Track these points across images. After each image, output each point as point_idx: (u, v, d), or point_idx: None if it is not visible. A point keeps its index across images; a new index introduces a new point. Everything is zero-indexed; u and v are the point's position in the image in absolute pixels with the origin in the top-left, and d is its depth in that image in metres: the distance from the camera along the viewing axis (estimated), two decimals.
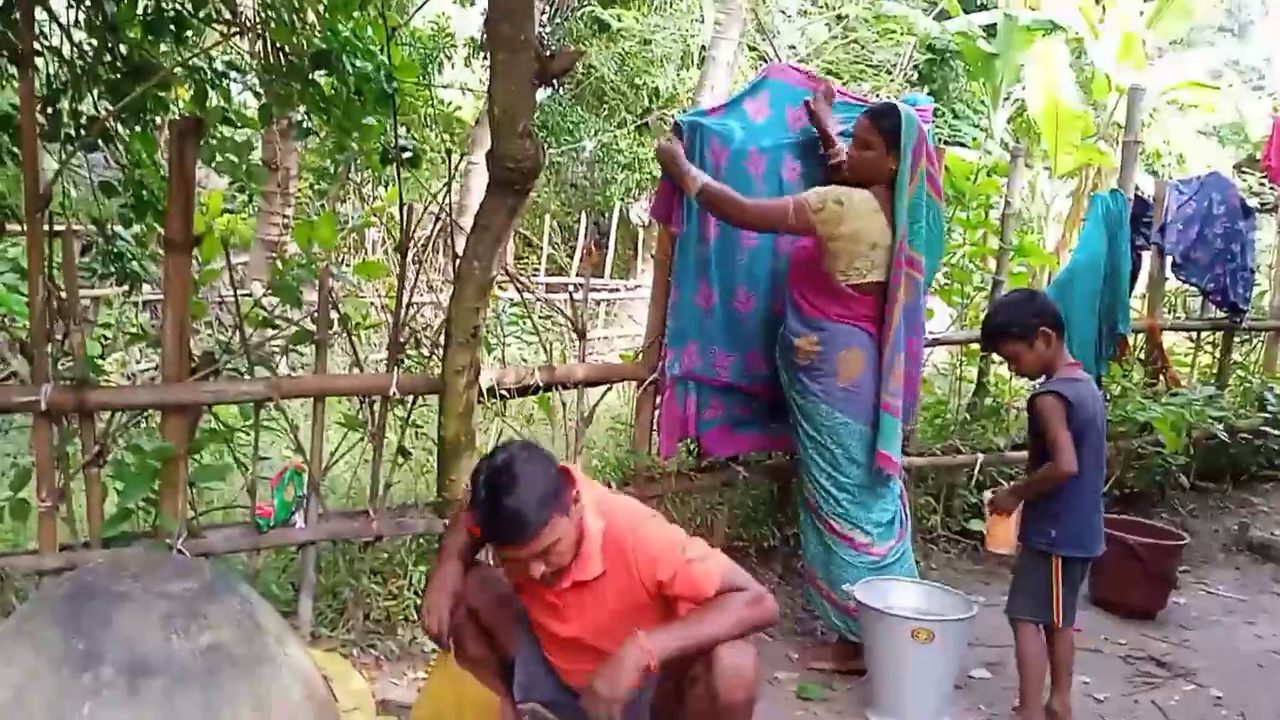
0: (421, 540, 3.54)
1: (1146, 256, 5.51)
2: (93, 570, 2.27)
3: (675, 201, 3.75)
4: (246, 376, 3.20)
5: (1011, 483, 3.24)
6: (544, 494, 2.19)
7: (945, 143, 9.41)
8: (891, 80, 11.92)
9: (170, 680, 2.01)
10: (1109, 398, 4.99)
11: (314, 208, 12.72)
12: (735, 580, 2.24)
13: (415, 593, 3.45)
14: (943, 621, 3.12)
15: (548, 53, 2.94)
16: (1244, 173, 11.53)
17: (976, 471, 4.58)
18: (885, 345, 3.41)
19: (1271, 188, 6.92)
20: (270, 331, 3.41)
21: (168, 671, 2.01)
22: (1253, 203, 6.08)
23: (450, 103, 13.25)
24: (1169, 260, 5.53)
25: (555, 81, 11.27)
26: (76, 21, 3.35)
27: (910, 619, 3.14)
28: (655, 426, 3.97)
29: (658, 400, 3.98)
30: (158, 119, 3.57)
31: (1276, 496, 5.64)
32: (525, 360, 5.70)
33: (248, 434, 3.31)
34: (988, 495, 3.28)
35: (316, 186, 12.81)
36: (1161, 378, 5.46)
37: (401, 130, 3.48)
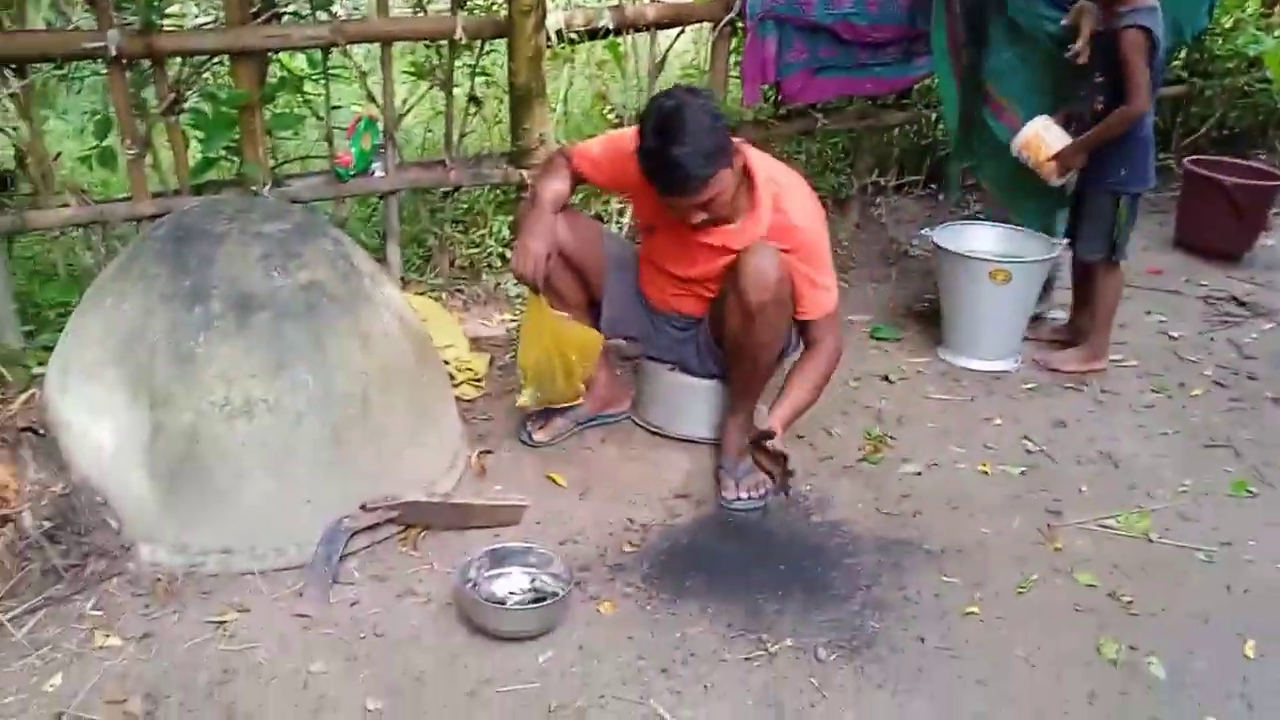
0: (499, 191, 3.55)
1: None
2: (189, 213, 2.34)
3: None
4: (310, 20, 3.10)
5: (1079, 137, 3.02)
6: (712, 146, 2.17)
7: None
8: None
9: (275, 314, 2.11)
10: (1220, 30, 4.64)
11: None
12: (834, 322, 2.48)
13: (497, 241, 3.52)
14: (1021, 264, 3.11)
15: None
16: None
17: None
18: None
19: None
20: None
21: (272, 306, 2.12)
22: None
23: None
24: None
25: None
26: None
27: (990, 260, 3.13)
28: (734, 72, 3.81)
29: (734, 44, 3.79)
30: None
31: None
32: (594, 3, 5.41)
33: (318, 82, 3.26)
34: (1042, 150, 3.04)
35: None
36: (1279, 9, 5.01)
37: None
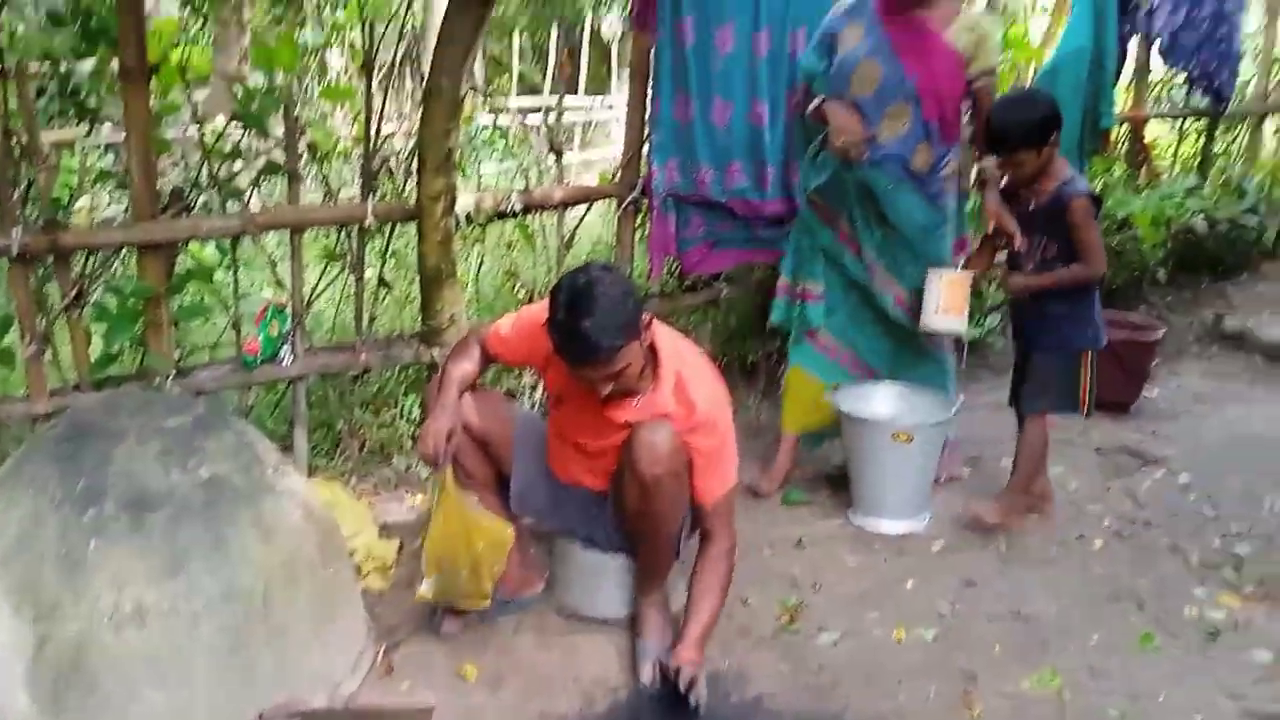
0: (410, 370, 3.58)
1: (1132, 47, 5.36)
2: (87, 410, 2.31)
3: (651, 4, 3.62)
4: (219, 212, 3.15)
5: (1033, 273, 3.16)
6: (622, 319, 2.23)
7: None
8: None
9: (173, 512, 2.07)
10: None
11: (271, 35, 12.16)
12: (730, 510, 2.51)
13: (408, 421, 3.52)
14: (922, 424, 3.21)
15: None
16: None
17: None
18: None
19: None
20: (239, 164, 3.33)
21: (170, 504, 2.07)
22: None
23: None
24: (1155, 46, 5.38)
25: None
26: None
27: (890, 423, 3.22)
28: (640, 246, 3.96)
29: (639, 220, 3.95)
30: None
31: (1251, 287, 5.70)
32: (502, 185, 5.61)
33: (226, 271, 3.29)
34: (961, 295, 3.16)
35: (271, 13, 12.23)
36: (1143, 171, 5.43)
37: None
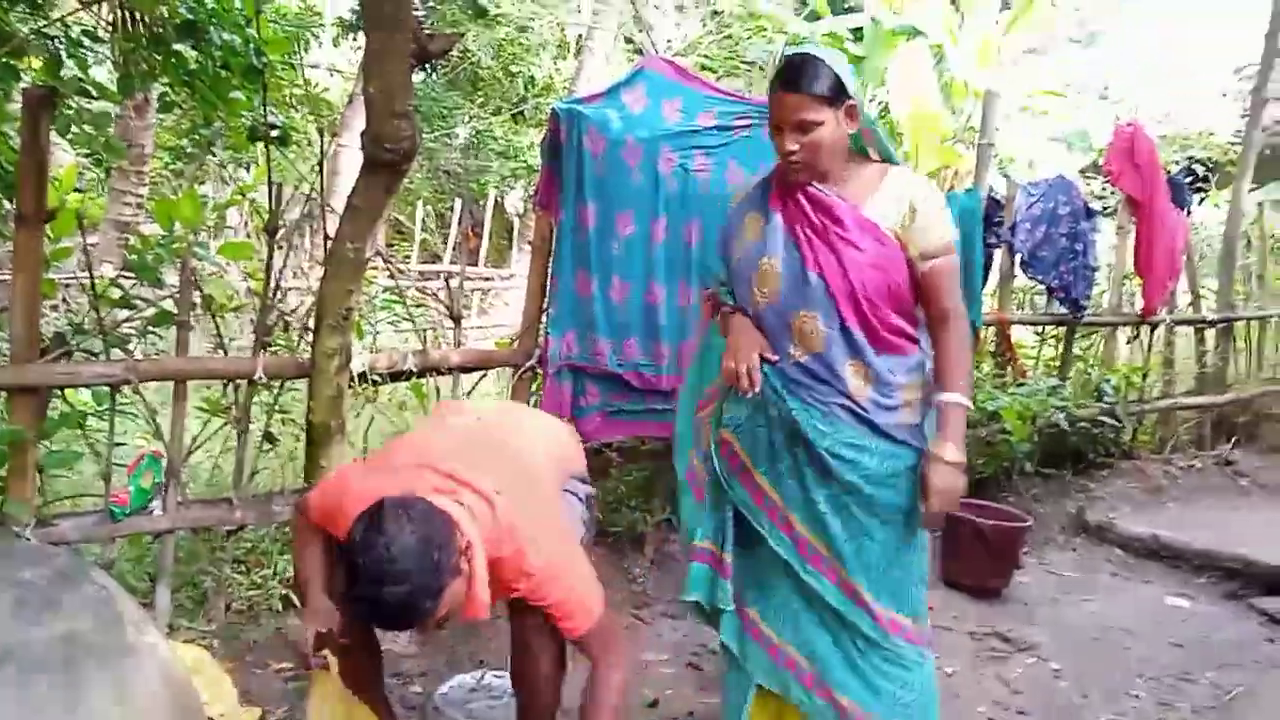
0: (285, 529, 3.47)
1: (997, 255, 5.81)
2: None
3: (554, 189, 3.79)
4: (102, 358, 3.07)
5: None
6: (434, 571, 1.96)
7: None
8: (764, 77, 12.18)
9: (23, 668, 1.93)
10: None
11: (170, 187, 12.18)
12: (610, 629, 2.32)
13: (280, 581, 3.38)
14: None
15: (426, 34, 2.92)
16: (1088, 177, 12.22)
17: None
18: None
19: (1112, 191, 7.36)
20: (126, 312, 3.28)
21: (21, 659, 1.93)
22: (1095, 205, 6.47)
23: (318, 83, 12.87)
24: (1018, 258, 5.85)
25: (430, 65, 11.10)
26: None
27: None
28: None
29: (533, 387, 4.00)
30: (6, 89, 3.38)
31: (1112, 482, 6.02)
32: (398, 347, 5.62)
33: (102, 418, 3.18)
34: None
35: (172, 166, 12.28)
36: (1009, 369, 5.78)
37: (270, 107, 3.39)
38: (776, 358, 2.39)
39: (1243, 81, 15.15)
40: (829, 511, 2.39)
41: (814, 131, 2.29)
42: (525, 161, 14.79)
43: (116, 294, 3.23)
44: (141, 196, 10.10)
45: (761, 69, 11.87)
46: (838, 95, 2.30)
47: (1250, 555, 4.64)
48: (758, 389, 2.37)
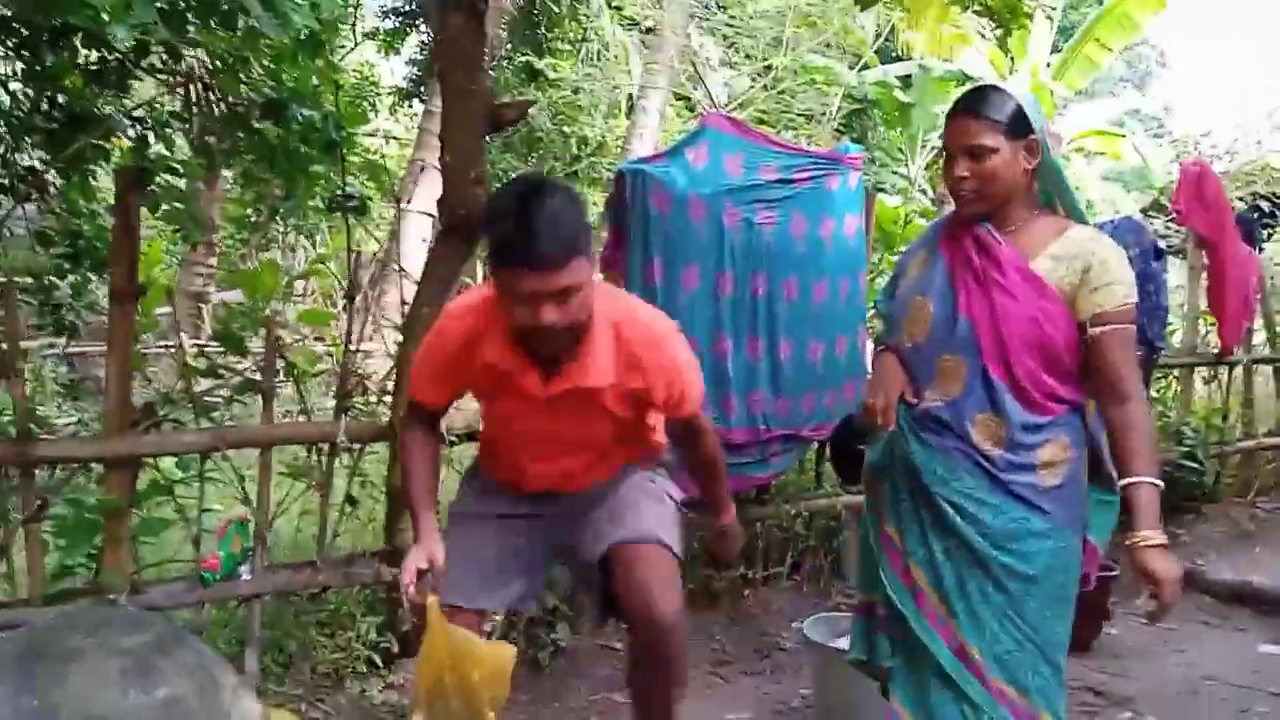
0: (369, 591, 3.50)
1: None
2: (43, 627, 2.22)
3: (620, 248, 3.84)
4: (190, 426, 3.16)
5: None
6: (573, 227, 2.00)
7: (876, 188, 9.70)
8: (820, 128, 12.24)
9: None
10: None
11: (236, 257, 12.55)
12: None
13: (364, 644, 3.40)
14: None
15: (499, 103, 3.00)
16: (1150, 216, 12.08)
17: None
18: None
19: (1178, 231, 7.25)
20: (212, 381, 3.37)
21: None
22: (1161, 245, 6.37)
23: (379, 151, 13.23)
24: None
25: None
26: (14, 72, 3.32)
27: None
28: None
29: None
30: (96, 168, 3.53)
31: (1196, 527, 5.85)
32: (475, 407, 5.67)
33: (191, 485, 3.25)
34: None
35: (239, 236, 12.66)
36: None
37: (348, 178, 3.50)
38: (916, 400, 2.29)
39: None
40: (945, 565, 2.25)
41: (987, 159, 2.15)
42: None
43: (203, 363, 3.32)
44: (211, 267, 10.45)
45: (817, 121, 11.96)
46: (1016, 126, 2.16)
47: None
48: (891, 427, 2.30)
